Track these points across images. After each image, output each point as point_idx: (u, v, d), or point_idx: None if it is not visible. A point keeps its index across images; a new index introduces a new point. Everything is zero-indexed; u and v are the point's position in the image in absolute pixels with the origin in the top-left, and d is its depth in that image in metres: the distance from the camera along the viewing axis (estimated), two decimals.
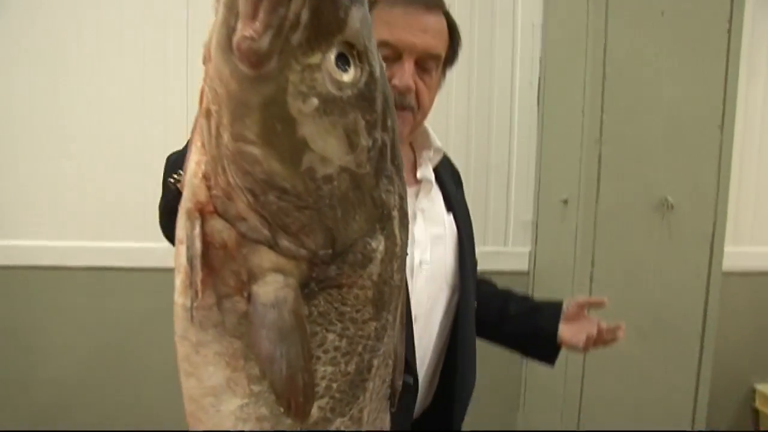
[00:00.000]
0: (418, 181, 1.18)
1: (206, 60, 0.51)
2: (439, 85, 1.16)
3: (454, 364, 1.16)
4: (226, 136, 0.49)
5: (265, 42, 0.46)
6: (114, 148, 1.99)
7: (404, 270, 0.63)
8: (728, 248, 1.86)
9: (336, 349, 0.56)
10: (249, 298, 0.52)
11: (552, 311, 1.28)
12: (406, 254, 0.62)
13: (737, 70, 1.74)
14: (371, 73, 0.52)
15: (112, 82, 1.97)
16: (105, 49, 1.97)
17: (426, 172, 1.19)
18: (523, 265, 2.15)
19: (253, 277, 0.52)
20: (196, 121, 0.53)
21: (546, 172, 2.03)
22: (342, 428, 0.57)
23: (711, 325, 1.81)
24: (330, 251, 0.53)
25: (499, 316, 1.32)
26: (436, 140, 1.22)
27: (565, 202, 1.81)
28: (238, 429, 0.54)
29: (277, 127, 0.48)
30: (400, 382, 0.67)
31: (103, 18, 1.97)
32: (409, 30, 1.07)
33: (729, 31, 1.71)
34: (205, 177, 0.52)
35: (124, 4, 1.98)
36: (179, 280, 0.53)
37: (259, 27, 0.46)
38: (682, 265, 1.78)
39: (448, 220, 1.20)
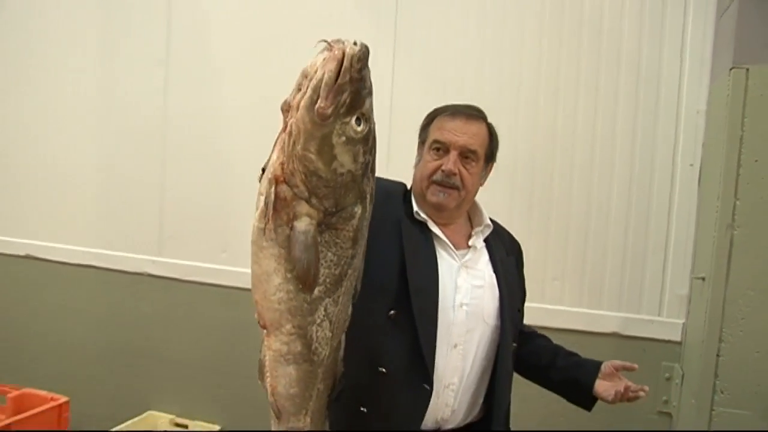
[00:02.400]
0: (469, 247, 1.61)
1: (284, 110, 1.01)
2: (481, 174, 1.61)
3: (493, 386, 1.57)
4: (299, 147, 0.96)
5: (329, 111, 0.94)
6: None
7: (369, 225, 1.09)
8: None
9: (331, 260, 1.03)
10: (292, 228, 0.99)
11: (592, 368, 1.63)
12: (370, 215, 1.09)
13: None
14: (370, 128, 1.00)
15: None
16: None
17: (476, 240, 1.62)
18: (676, 335, 2.26)
19: (295, 216, 0.99)
20: (279, 135, 1.00)
21: (698, 250, 2.15)
22: (328, 305, 1.06)
23: None
24: (334, 209, 1.00)
25: (549, 365, 1.70)
26: (487, 219, 1.65)
27: (703, 279, 1.93)
28: (277, 296, 1.02)
29: (325, 148, 0.96)
30: (359, 286, 1.14)
31: None
32: (453, 132, 1.56)
33: None
34: (282, 163, 0.98)
35: None
36: (258, 213, 1.01)
37: (328, 104, 0.94)
38: None
39: (490, 276, 1.60)
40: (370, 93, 0.97)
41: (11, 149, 3.32)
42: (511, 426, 1.65)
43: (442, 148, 1.55)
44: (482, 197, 1.64)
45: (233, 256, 2.80)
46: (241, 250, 2.75)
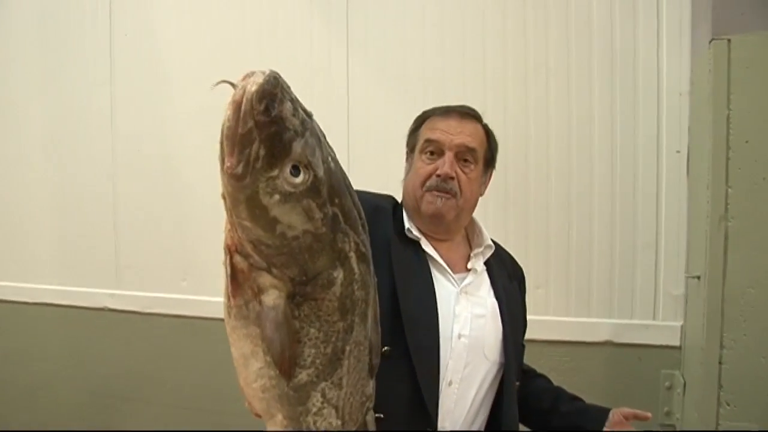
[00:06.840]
0: (468, 270, 1.39)
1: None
2: (481, 179, 1.41)
3: None
4: (233, 214, 0.77)
5: (239, 169, 0.74)
6: None
7: (367, 287, 0.88)
8: None
9: (316, 338, 0.84)
10: (260, 303, 0.80)
11: (599, 416, 1.43)
12: (371, 277, 0.89)
13: None
14: (315, 175, 0.78)
15: None
16: None
17: (475, 263, 1.41)
18: (674, 340, 2.05)
19: (261, 290, 0.81)
20: None
21: (691, 245, 1.93)
22: (326, 389, 0.87)
23: None
24: (304, 278, 0.81)
25: (550, 410, 1.49)
26: (488, 239, 1.44)
27: (698, 278, 1.72)
28: (258, 383, 0.85)
29: (257, 212, 0.77)
30: (377, 361, 0.94)
31: None
32: (447, 130, 1.35)
33: None
34: (230, 231, 0.81)
35: None
36: (224, 288, 0.82)
37: (235, 162, 0.74)
38: None
39: (492, 304, 1.39)
40: (301, 132, 0.76)
41: None
42: None
43: (435, 150, 1.36)
44: None
45: (194, 284, 2.61)
46: (202, 277, 2.62)
